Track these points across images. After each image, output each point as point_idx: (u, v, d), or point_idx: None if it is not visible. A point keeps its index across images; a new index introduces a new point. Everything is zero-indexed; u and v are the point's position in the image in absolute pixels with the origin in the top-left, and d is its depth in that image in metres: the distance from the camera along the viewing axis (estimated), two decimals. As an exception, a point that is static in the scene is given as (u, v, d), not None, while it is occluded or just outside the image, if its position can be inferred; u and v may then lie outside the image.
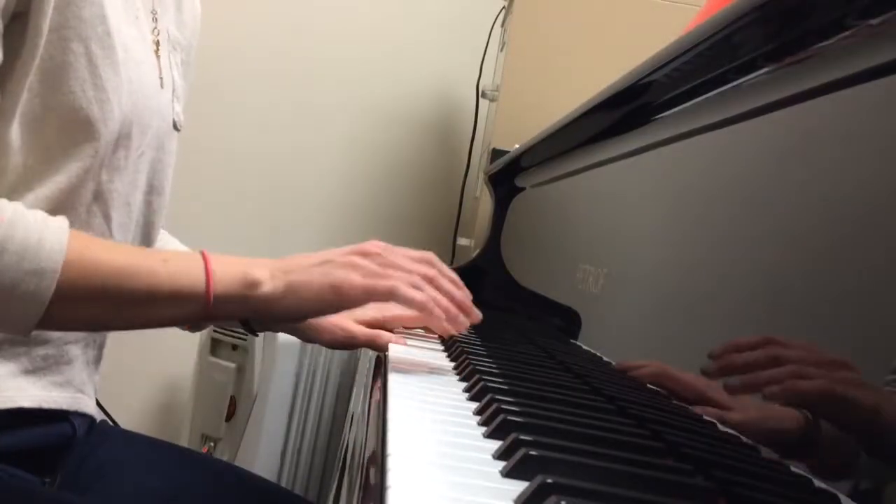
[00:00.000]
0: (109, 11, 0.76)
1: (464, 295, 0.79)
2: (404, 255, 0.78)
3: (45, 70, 0.73)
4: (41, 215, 0.68)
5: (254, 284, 0.73)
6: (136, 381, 2.21)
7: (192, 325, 0.83)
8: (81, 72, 0.74)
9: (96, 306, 0.70)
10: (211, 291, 0.71)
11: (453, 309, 0.77)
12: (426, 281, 0.77)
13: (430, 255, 0.80)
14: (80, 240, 0.69)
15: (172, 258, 0.73)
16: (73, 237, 0.68)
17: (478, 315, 0.79)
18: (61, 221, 0.69)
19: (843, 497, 0.41)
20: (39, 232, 0.66)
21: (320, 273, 0.74)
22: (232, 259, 0.75)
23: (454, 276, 0.81)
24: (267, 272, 0.73)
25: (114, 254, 0.71)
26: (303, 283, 0.74)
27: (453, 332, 0.79)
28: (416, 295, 0.74)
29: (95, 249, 0.70)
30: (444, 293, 0.77)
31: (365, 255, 0.77)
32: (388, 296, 0.74)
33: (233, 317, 0.77)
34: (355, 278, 0.74)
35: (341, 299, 0.74)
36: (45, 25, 0.72)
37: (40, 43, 0.72)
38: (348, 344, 0.96)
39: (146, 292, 0.70)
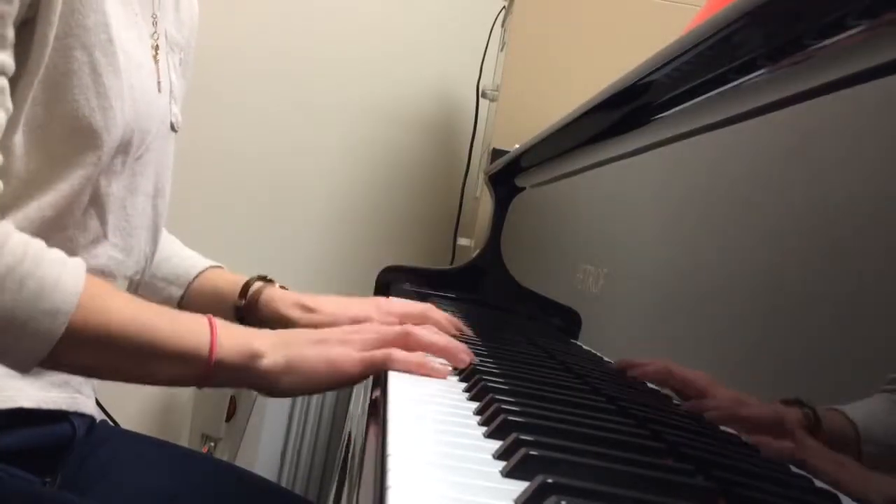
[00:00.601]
0: (112, 19, 0.76)
1: (447, 341, 0.79)
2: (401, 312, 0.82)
3: (49, 79, 0.73)
4: (60, 255, 0.69)
5: (255, 356, 0.73)
6: (136, 381, 2.21)
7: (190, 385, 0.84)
8: (85, 80, 0.74)
9: (98, 353, 0.70)
10: (213, 357, 0.72)
11: (450, 349, 0.78)
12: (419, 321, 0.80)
13: (419, 304, 0.83)
14: (94, 285, 0.69)
15: (180, 317, 0.74)
16: (89, 282, 0.69)
17: (464, 360, 0.78)
18: (78, 263, 0.69)
19: (843, 497, 0.41)
20: (59, 272, 0.67)
21: (318, 351, 0.75)
22: (238, 328, 0.76)
23: (446, 320, 0.85)
24: (268, 345, 0.74)
25: (125, 303, 0.71)
26: (300, 358, 0.74)
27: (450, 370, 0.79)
28: (409, 358, 0.74)
29: (108, 297, 0.70)
30: (426, 346, 0.77)
31: (363, 331, 0.78)
32: (384, 365, 0.74)
33: (229, 384, 0.77)
34: (353, 353, 0.75)
35: (339, 375, 0.75)
36: (52, 34, 0.72)
37: (46, 52, 0.72)
38: None
39: (149, 347, 0.70)
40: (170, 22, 0.92)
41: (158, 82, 0.87)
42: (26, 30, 0.72)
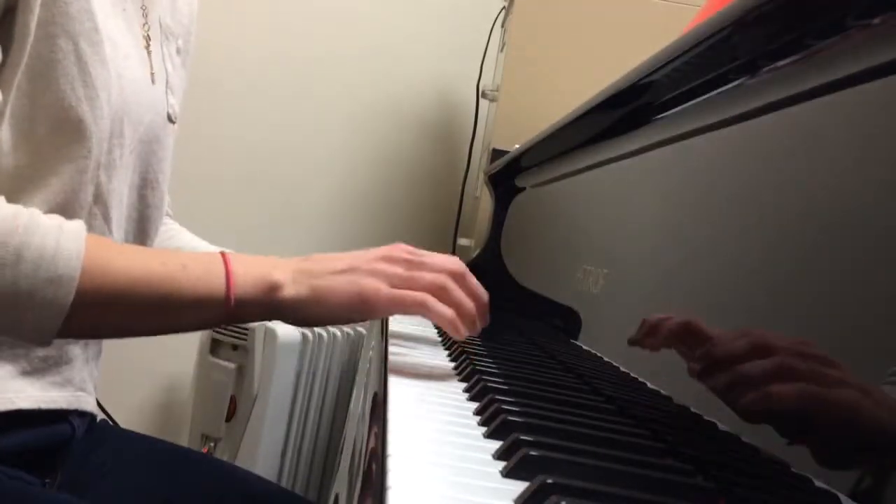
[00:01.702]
0: (96, 7, 0.75)
1: (484, 303, 0.78)
2: (431, 260, 0.77)
3: (34, 68, 0.71)
4: (57, 220, 0.67)
5: (275, 287, 0.72)
6: (136, 380, 2.21)
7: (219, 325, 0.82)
8: (70, 69, 0.73)
9: (116, 314, 0.69)
10: (232, 295, 0.70)
11: (474, 316, 0.77)
12: (455, 279, 0.76)
13: (457, 259, 0.79)
14: (98, 245, 0.68)
15: (192, 262, 0.72)
16: (91, 242, 0.67)
17: (476, 330, 0.78)
18: (77, 225, 0.68)
19: (843, 497, 0.40)
20: (56, 238, 0.65)
21: (347, 281, 0.73)
22: (253, 260, 0.74)
23: (479, 289, 0.80)
24: (289, 275, 0.72)
25: (132, 259, 0.69)
26: (328, 289, 0.73)
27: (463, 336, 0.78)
28: (446, 311, 0.73)
29: (113, 255, 0.68)
30: (470, 294, 0.76)
31: (392, 261, 0.75)
32: (418, 309, 0.73)
33: (258, 318, 0.75)
34: (383, 288, 0.73)
35: (368, 309, 0.73)
36: (34, 22, 0.70)
37: (28, 41, 0.71)
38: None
39: (166, 298, 0.69)
40: (164, 10, 0.91)
41: (152, 74, 0.86)
42: (8, 19, 0.70)
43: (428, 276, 0.75)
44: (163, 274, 0.69)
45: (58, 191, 0.74)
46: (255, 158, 2.31)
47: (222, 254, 0.73)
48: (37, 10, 0.71)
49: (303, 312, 0.73)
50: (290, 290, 0.72)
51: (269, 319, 0.76)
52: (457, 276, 0.76)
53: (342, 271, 0.74)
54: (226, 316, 0.71)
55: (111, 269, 0.67)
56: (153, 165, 0.88)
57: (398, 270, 0.74)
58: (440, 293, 0.74)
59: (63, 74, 0.73)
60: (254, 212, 2.31)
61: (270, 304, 0.72)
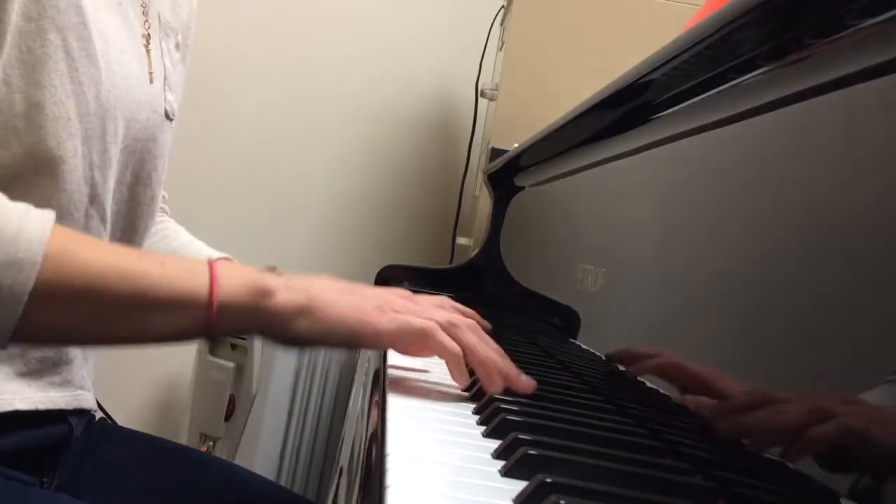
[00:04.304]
0: (86, 1, 0.73)
1: (488, 355, 0.69)
2: (430, 302, 0.72)
3: (26, 63, 0.70)
4: (23, 205, 0.61)
5: (266, 293, 0.64)
6: (135, 379, 2.21)
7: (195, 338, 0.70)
8: (59, 64, 0.71)
9: (79, 312, 0.60)
10: (215, 298, 0.62)
11: (502, 369, 0.68)
12: (466, 329, 0.69)
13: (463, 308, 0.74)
14: (64, 234, 0.60)
15: (171, 260, 0.64)
16: (57, 231, 0.60)
17: (498, 386, 0.67)
18: (45, 213, 0.61)
19: (842, 497, 0.40)
20: (18, 221, 0.58)
21: (348, 299, 0.67)
22: (242, 266, 0.67)
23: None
24: (282, 282, 0.65)
25: (103, 251, 0.62)
26: (327, 303, 0.66)
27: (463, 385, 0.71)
28: (453, 345, 0.68)
29: (81, 245, 0.61)
30: (465, 345, 0.69)
31: (394, 293, 0.71)
32: (421, 336, 0.67)
33: (240, 332, 0.67)
34: (387, 312, 0.67)
35: (367, 329, 0.66)
36: (13, 12, 0.68)
37: (8, 30, 0.68)
38: None
39: (138, 296, 0.60)
40: (164, 5, 0.90)
41: (150, 72, 0.85)
42: None
43: (438, 314, 0.69)
44: (136, 267, 0.61)
45: (51, 191, 0.72)
46: (253, 157, 2.31)
47: (207, 259, 0.66)
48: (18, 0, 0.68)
49: (294, 326, 0.65)
50: (283, 296, 0.64)
51: (259, 333, 0.66)
52: (468, 322, 0.70)
53: (342, 290, 0.68)
54: (205, 324, 0.62)
55: (78, 259, 0.59)
56: (148, 163, 0.86)
57: (405, 303, 0.69)
58: (449, 329, 0.68)
59: (54, 70, 0.71)
60: (253, 211, 2.31)
61: (258, 313, 0.64)
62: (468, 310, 0.76)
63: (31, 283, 0.57)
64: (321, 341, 0.67)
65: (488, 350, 0.69)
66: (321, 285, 0.67)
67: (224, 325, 0.63)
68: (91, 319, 0.61)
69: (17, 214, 0.59)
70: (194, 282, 0.62)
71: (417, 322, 0.67)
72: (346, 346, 0.69)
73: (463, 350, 0.68)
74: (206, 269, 0.63)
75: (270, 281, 0.65)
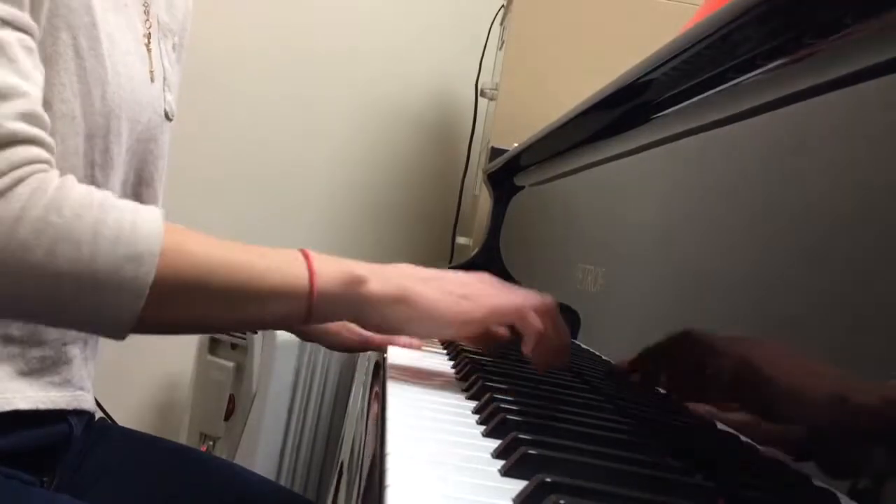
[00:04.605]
0: (95, 2, 0.75)
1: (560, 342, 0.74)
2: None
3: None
4: (132, 202, 0.64)
5: (359, 281, 0.67)
6: (135, 379, 2.21)
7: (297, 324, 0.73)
8: (69, 63, 0.72)
9: (194, 301, 0.64)
10: (315, 288, 0.66)
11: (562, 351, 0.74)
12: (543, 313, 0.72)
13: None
14: (175, 230, 0.64)
15: (270, 252, 0.67)
16: (168, 226, 0.64)
17: (556, 364, 0.74)
18: (154, 210, 0.65)
19: (842, 497, 0.40)
20: (132, 217, 0.62)
21: (437, 287, 0.69)
22: (333, 257, 0.69)
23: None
24: (372, 271, 0.68)
25: (210, 243, 0.65)
26: (418, 292, 0.68)
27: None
28: (537, 323, 0.70)
29: (192, 240, 0.64)
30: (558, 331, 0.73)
31: (479, 280, 0.73)
32: (514, 315, 0.70)
33: (335, 318, 0.71)
34: (474, 299, 0.69)
35: (461, 316, 0.69)
36: (43, 15, 0.70)
37: (40, 31, 0.70)
38: (359, 348, 0.93)
39: (247, 288, 0.65)
40: (161, 6, 0.91)
41: (151, 71, 0.86)
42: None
43: (523, 296, 0.73)
44: (243, 260, 0.65)
45: None
46: (253, 156, 2.31)
47: (301, 249, 0.69)
48: (46, 2, 0.70)
49: (389, 311, 0.68)
50: (376, 284, 0.67)
51: (352, 319, 0.70)
52: (545, 311, 0.73)
53: (430, 278, 0.70)
54: (307, 311, 0.66)
55: (190, 251, 0.63)
56: (149, 163, 0.87)
57: (485, 286, 0.72)
58: (536, 310, 0.72)
59: (64, 68, 0.72)
60: (252, 210, 2.31)
61: (354, 300, 0.67)
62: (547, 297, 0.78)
63: (152, 276, 0.60)
64: (411, 330, 0.71)
65: (558, 342, 0.72)
66: (410, 273, 0.70)
67: (322, 311, 0.67)
68: (203, 308, 0.65)
69: (130, 210, 0.62)
70: (295, 272, 0.66)
71: (512, 307, 0.70)
72: (433, 336, 0.73)
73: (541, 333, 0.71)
74: (302, 259, 0.67)
75: (361, 270, 0.68)
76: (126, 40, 0.80)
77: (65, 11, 0.72)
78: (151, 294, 0.61)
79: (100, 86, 0.75)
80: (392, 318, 0.68)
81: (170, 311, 0.64)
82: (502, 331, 0.75)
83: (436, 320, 0.69)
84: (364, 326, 0.71)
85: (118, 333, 0.63)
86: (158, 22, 0.89)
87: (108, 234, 0.60)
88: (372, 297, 0.67)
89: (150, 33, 0.86)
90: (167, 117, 0.89)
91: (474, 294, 0.70)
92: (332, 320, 0.72)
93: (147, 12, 0.86)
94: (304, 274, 0.66)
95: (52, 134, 0.71)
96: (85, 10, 0.74)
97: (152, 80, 0.86)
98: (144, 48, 0.85)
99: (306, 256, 0.67)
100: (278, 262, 0.66)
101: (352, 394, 1.73)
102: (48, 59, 0.71)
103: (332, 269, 0.67)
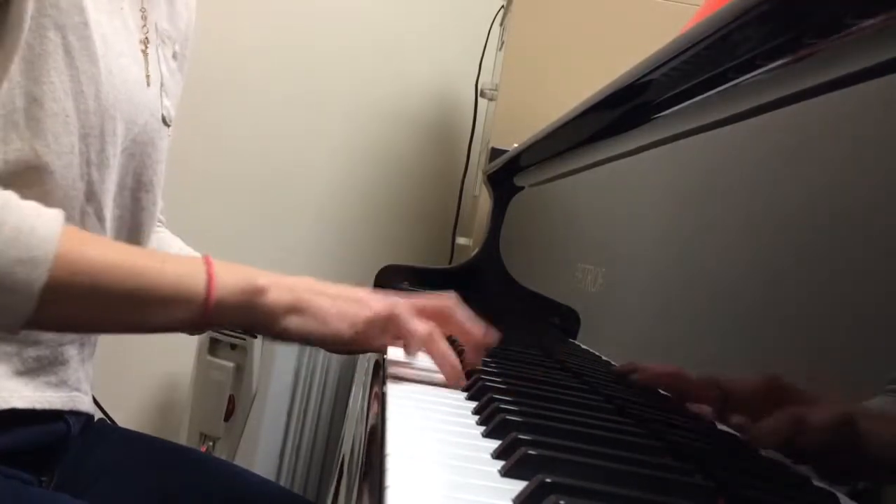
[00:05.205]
0: (88, 3, 0.75)
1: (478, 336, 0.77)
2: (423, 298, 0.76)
3: (26, 60, 0.71)
4: (35, 205, 0.65)
5: (258, 291, 0.69)
6: (134, 379, 2.21)
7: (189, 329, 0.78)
8: (59, 62, 0.73)
9: (87, 303, 0.66)
10: (213, 296, 0.68)
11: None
12: (447, 317, 0.76)
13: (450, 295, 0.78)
14: (74, 233, 0.66)
15: (172, 259, 0.70)
16: (67, 230, 0.65)
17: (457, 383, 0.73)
18: (56, 213, 0.66)
19: (842, 497, 0.40)
20: (32, 221, 0.63)
21: (329, 296, 0.72)
22: (237, 265, 0.71)
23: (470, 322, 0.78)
24: (274, 281, 0.70)
25: (109, 250, 0.67)
26: (312, 303, 0.71)
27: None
28: (419, 328, 0.72)
29: (89, 244, 0.66)
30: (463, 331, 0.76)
31: (378, 297, 0.75)
32: (387, 321, 0.72)
33: (235, 325, 0.73)
34: (363, 309, 0.72)
35: (343, 333, 0.71)
36: (28, 12, 0.70)
37: (23, 29, 0.70)
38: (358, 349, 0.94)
39: (141, 292, 0.66)
40: (162, 14, 0.91)
41: (147, 76, 0.86)
42: (3, 7, 0.70)
43: (408, 302, 0.74)
44: (140, 265, 0.67)
45: (49, 188, 0.73)
46: (253, 157, 2.31)
47: (205, 256, 0.71)
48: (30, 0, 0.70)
49: (282, 319, 0.70)
50: (274, 294, 0.70)
51: (246, 329, 0.73)
52: (449, 314, 0.76)
53: (326, 291, 0.73)
54: (201, 318, 0.68)
55: (86, 257, 0.65)
56: (148, 168, 0.87)
57: (378, 297, 0.74)
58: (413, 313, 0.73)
59: (54, 67, 0.72)
60: (252, 211, 2.31)
61: (250, 310, 0.69)
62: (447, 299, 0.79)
63: (42, 281, 0.62)
64: (306, 339, 0.72)
65: (451, 357, 0.73)
66: (307, 285, 0.72)
67: (216, 320, 0.69)
68: (96, 311, 0.67)
69: (31, 214, 0.64)
70: (192, 280, 0.68)
71: (384, 307, 0.72)
72: (330, 343, 0.73)
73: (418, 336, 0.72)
74: (203, 267, 0.69)
75: (263, 280, 0.70)
76: (120, 43, 0.81)
77: (53, 11, 0.72)
78: (44, 295, 0.62)
79: (93, 85, 0.75)
80: (287, 328, 0.71)
81: (63, 312, 0.66)
82: (388, 338, 0.76)
83: (327, 324, 0.71)
84: (263, 335, 0.73)
85: (8, 330, 0.67)
86: (157, 28, 0.90)
87: (4, 236, 0.62)
88: (267, 307, 0.70)
89: (147, 38, 0.87)
90: (164, 122, 0.89)
91: (363, 300, 0.73)
92: (229, 328, 0.74)
93: (145, 17, 0.87)
94: (202, 281, 0.68)
95: (44, 132, 0.72)
96: (76, 11, 0.74)
97: (148, 84, 0.86)
98: (140, 52, 0.86)
99: (208, 264, 0.69)
100: (176, 269, 0.68)
101: (352, 394, 1.73)
102: (37, 58, 0.72)
103: (232, 278, 0.69)
